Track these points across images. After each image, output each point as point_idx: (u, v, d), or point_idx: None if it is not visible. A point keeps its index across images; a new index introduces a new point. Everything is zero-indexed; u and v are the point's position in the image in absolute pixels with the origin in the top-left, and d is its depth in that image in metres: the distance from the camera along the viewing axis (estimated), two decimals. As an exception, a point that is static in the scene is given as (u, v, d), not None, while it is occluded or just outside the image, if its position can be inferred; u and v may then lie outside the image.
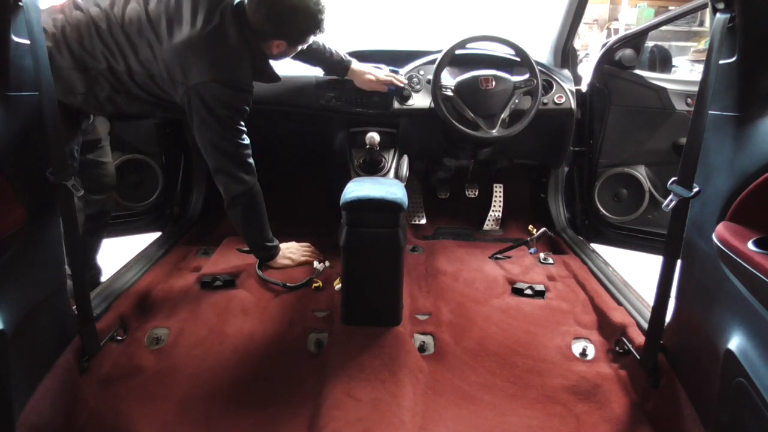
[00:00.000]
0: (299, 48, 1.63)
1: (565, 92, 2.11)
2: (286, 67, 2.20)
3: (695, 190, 1.11)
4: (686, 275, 1.22)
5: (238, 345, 1.48)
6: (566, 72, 2.24)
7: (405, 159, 1.95)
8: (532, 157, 2.41)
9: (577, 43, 2.46)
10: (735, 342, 0.98)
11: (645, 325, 1.39)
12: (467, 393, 1.35)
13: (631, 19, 5.75)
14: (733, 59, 1.05)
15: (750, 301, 0.96)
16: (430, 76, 1.98)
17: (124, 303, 1.56)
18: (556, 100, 2.10)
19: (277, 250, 1.83)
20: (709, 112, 1.10)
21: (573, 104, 2.11)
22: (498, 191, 2.59)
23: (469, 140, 2.01)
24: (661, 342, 1.29)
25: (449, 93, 1.96)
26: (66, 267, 1.30)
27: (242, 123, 1.60)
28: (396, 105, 2.06)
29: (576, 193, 2.44)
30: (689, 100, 2.11)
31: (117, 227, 2.29)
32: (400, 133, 2.10)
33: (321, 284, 1.79)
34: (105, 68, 1.46)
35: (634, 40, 2.17)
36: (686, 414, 1.17)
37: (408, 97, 2.06)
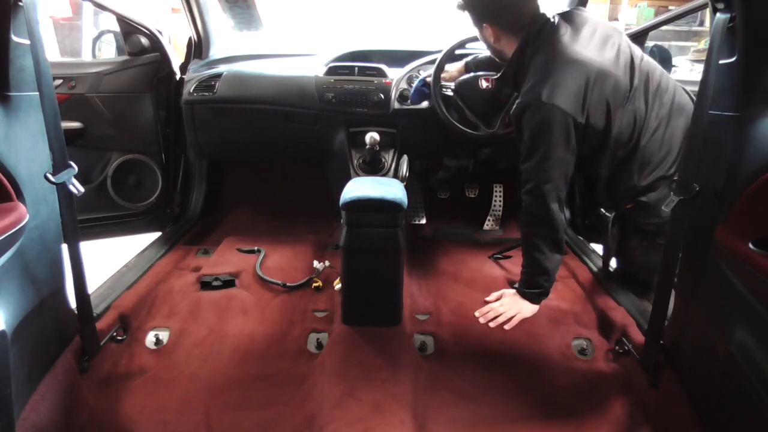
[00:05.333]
0: None
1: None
2: (286, 67, 2.21)
3: (695, 190, 1.11)
4: (686, 275, 1.22)
5: (238, 345, 1.48)
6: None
7: (405, 159, 1.95)
8: None
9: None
10: (735, 342, 0.98)
11: (645, 325, 1.39)
12: (467, 393, 1.35)
13: (631, 19, 5.75)
14: (733, 59, 1.05)
15: (750, 301, 0.96)
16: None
17: (124, 303, 1.56)
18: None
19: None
20: (709, 112, 1.10)
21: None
22: (498, 191, 2.59)
23: (469, 140, 2.01)
24: (661, 342, 1.29)
25: (449, 93, 1.96)
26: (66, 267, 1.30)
27: None
28: (396, 105, 2.06)
29: (576, 193, 2.43)
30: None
31: (117, 227, 2.29)
32: (400, 133, 2.10)
33: (321, 284, 1.79)
34: None
35: (634, 40, 2.16)
36: (686, 414, 1.17)
37: (408, 97, 2.06)
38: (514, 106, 1.46)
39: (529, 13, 1.48)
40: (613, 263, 1.98)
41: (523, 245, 1.55)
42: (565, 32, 1.45)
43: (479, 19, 1.53)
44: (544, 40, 1.44)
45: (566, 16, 1.51)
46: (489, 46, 1.60)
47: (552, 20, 1.49)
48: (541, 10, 1.50)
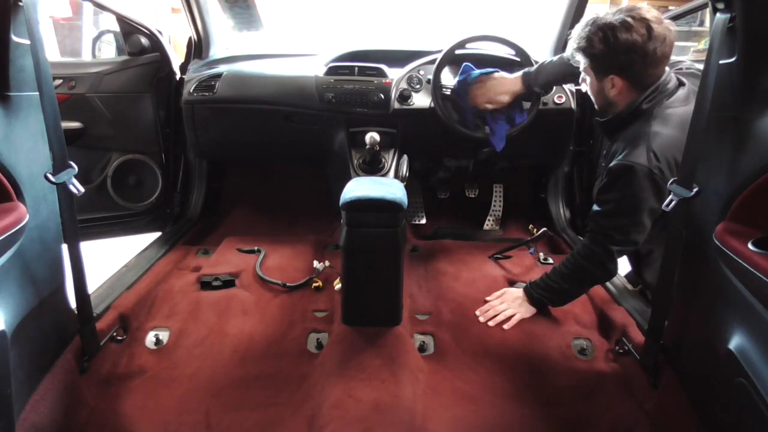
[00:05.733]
0: None
1: (565, 92, 2.10)
2: (286, 67, 2.21)
3: (695, 190, 1.11)
4: (686, 275, 1.22)
5: (238, 345, 1.48)
6: (566, 72, 2.23)
7: (405, 159, 1.95)
8: (532, 157, 2.41)
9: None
10: (735, 342, 0.98)
11: (645, 325, 1.39)
12: (467, 393, 1.35)
13: (631, 19, 5.76)
14: (733, 59, 1.05)
15: (750, 301, 0.96)
16: (430, 76, 1.98)
17: (124, 303, 1.56)
18: (556, 100, 2.09)
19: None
20: (709, 112, 1.10)
21: (573, 104, 2.11)
22: (498, 191, 2.59)
23: (469, 140, 2.01)
24: (661, 342, 1.29)
25: (449, 93, 1.96)
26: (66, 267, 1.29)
27: None
28: (396, 105, 2.06)
29: (576, 193, 2.44)
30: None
31: (117, 227, 2.30)
32: (400, 133, 2.10)
33: (321, 284, 1.79)
34: None
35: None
36: (686, 414, 1.17)
37: (408, 97, 2.06)
38: (617, 160, 1.39)
39: (660, 71, 1.42)
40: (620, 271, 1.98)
41: (570, 267, 1.52)
42: (689, 99, 1.41)
43: (608, 70, 1.42)
44: (664, 103, 1.41)
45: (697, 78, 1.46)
46: (600, 95, 1.50)
47: (678, 81, 1.45)
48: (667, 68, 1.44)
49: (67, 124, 2.01)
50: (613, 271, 1.47)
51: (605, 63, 1.42)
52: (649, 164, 1.34)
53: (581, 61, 1.47)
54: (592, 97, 1.55)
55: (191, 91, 2.16)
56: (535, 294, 1.56)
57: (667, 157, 1.35)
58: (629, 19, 1.34)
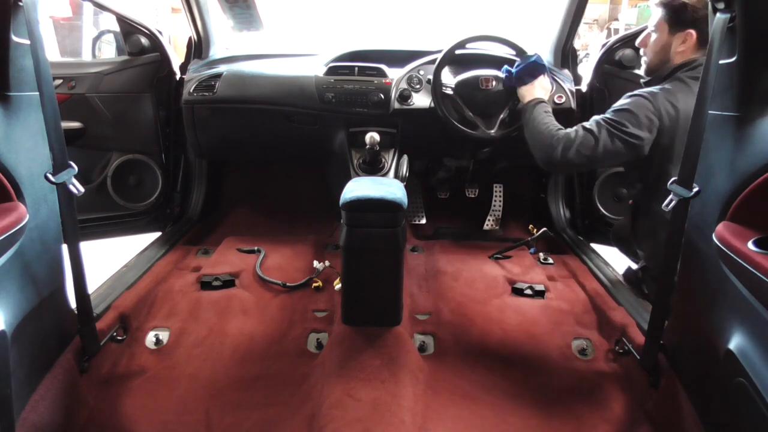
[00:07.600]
0: None
1: (565, 92, 2.10)
2: (286, 67, 2.21)
3: (695, 190, 1.11)
4: (686, 275, 1.22)
5: (238, 345, 1.48)
6: (566, 72, 2.24)
7: (405, 159, 1.95)
8: (532, 157, 2.41)
9: (577, 43, 2.46)
10: (735, 342, 0.98)
11: (645, 325, 1.39)
12: (467, 393, 1.35)
13: (631, 19, 5.76)
14: (733, 59, 1.05)
15: (750, 301, 0.96)
16: (430, 76, 1.98)
17: (124, 303, 1.56)
18: (556, 100, 2.09)
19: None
20: (709, 112, 1.10)
21: (573, 104, 2.11)
22: (498, 191, 2.59)
23: (469, 140, 2.01)
24: (661, 342, 1.29)
25: (449, 93, 1.96)
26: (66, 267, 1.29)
27: None
28: (396, 105, 2.06)
29: (576, 193, 2.44)
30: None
31: (117, 227, 2.30)
32: (400, 133, 2.10)
33: (321, 284, 1.79)
34: None
35: (634, 40, 2.17)
36: (686, 414, 1.17)
37: (408, 97, 2.06)
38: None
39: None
40: (616, 266, 1.98)
41: (547, 126, 1.65)
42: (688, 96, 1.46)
43: (688, 23, 1.47)
44: (687, 83, 1.48)
45: None
46: (663, 51, 1.55)
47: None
48: None
49: (67, 124, 2.02)
50: (555, 159, 1.57)
51: (688, 16, 1.46)
52: (653, 94, 1.45)
53: (657, 16, 1.53)
54: (648, 55, 1.61)
55: (191, 91, 2.16)
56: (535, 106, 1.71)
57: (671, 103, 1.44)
58: None
